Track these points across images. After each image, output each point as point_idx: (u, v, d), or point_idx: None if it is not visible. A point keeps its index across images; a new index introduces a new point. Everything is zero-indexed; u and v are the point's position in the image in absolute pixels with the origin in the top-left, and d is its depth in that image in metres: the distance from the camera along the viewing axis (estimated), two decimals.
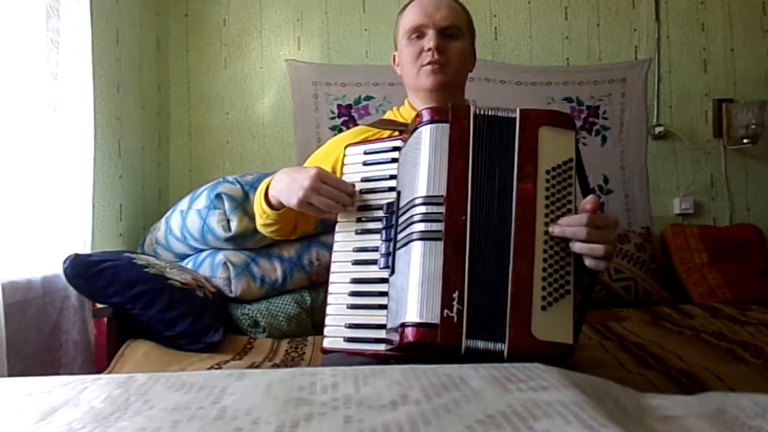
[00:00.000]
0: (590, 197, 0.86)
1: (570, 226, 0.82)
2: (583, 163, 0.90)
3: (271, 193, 1.09)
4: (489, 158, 0.86)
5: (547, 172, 0.85)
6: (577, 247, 0.83)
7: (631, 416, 0.47)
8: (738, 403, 0.49)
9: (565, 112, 0.91)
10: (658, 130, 2.72)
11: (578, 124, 2.63)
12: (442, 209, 0.83)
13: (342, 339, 0.91)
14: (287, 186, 1.01)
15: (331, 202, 0.95)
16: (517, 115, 0.87)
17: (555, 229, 0.83)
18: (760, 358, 1.40)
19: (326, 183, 0.95)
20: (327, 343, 0.93)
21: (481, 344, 0.79)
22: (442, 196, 0.83)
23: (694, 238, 2.54)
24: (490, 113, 0.88)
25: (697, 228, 2.60)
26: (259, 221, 1.17)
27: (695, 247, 2.52)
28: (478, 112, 0.88)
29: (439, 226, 0.82)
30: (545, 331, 0.79)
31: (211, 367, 1.41)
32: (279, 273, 1.89)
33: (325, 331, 0.93)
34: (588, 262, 0.84)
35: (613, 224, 0.86)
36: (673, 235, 2.58)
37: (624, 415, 0.46)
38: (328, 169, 1.16)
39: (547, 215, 0.84)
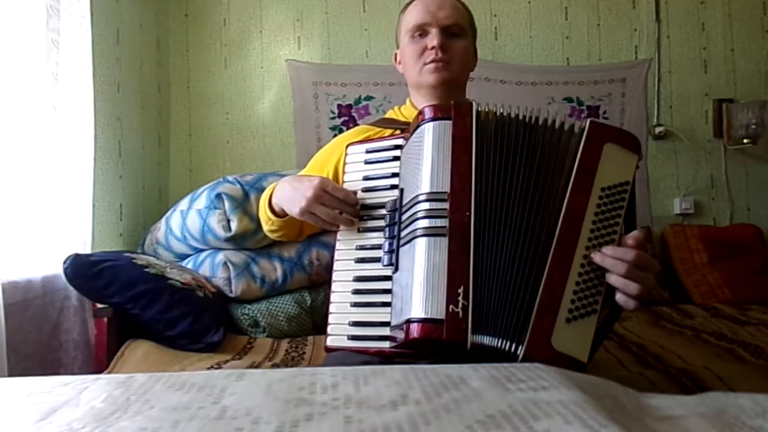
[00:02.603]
0: (635, 233, 0.84)
1: (612, 257, 0.81)
2: (635, 192, 0.88)
3: (274, 200, 1.09)
4: (518, 160, 0.85)
5: (602, 189, 0.84)
6: (612, 279, 0.82)
7: (631, 416, 0.47)
8: (738, 403, 0.49)
9: (634, 135, 0.90)
10: (658, 130, 2.72)
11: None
12: (446, 205, 0.82)
13: (346, 337, 0.90)
14: (290, 195, 1.01)
15: (334, 214, 0.95)
16: (587, 125, 0.86)
17: (596, 257, 0.82)
18: (760, 358, 1.40)
19: (330, 194, 0.95)
20: (330, 341, 0.92)
21: (487, 340, 0.79)
22: (445, 192, 0.83)
23: (694, 238, 2.54)
24: (531, 116, 0.87)
25: (698, 228, 2.60)
26: (265, 227, 1.18)
27: (695, 247, 2.52)
28: (511, 114, 0.87)
29: (443, 222, 0.82)
30: (564, 343, 0.79)
31: (211, 367, 1.41)
32: (279, 273, 1.89)
33: (328, 329, 0.92)
34: (619, 296, 0.83)
35: (655, 269, 0.85)
36: (674, 235, 2.58)
37: (624, 415, 0.46)
38: (331, 169, 1.16)
39: (592, 231, 0.83)
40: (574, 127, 0.87)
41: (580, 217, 0.83)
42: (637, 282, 0.81)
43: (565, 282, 0.81)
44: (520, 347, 0.79)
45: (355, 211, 0.96)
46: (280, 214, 1.10)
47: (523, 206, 0.84)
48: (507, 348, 0.79)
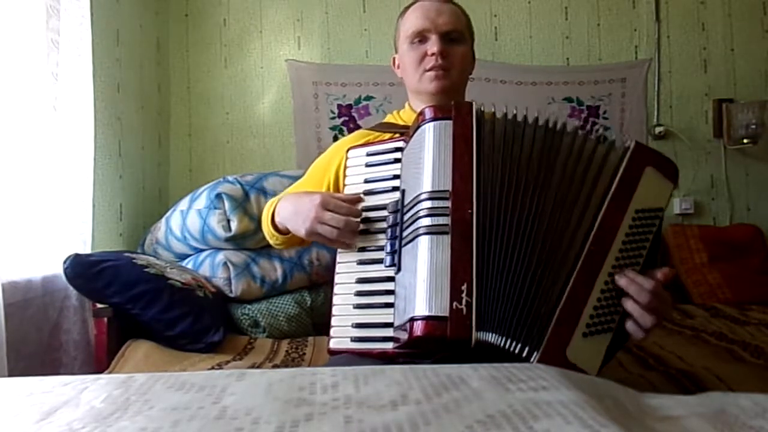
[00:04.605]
0: (667, 270, 0.85)
1: (635, 284, 0.81)
2: (663, 221, 0.89)
3: (278, 220, 1.10)
4: (534, 162, 0.85)
5: (637, 211, 0.84)
6: (629, 305, 0.82)
7: (631, 416, 0.47)
8: (738, 403, 0.49)
9: (673, 162, 0.92)
10: (658, 130, 2.72)
11: (578, 123, 2.64)
12: (448, 203, 0.82)
13: (349, 339, 0.90)
14: (293, 217, 1.01)
15: (338, 230, 0.94)
16: (632, 145, 0.87)
17: (621, 280, 0.82)
18: (760, 358, 1.40)
19: (330, 210, 0.94)
20: (333, 343, 0.91)
21: (491, 337, 0.78)
22: (447, 190, 0.83)
23: (694, 238, 2.54)
24: (556, 122, 0.88)
25: (697, 228, 2.60)
26: (270, 240, 1.20)
27: (695, 247, 2.52)
28: (528, 117, 0.88)
29: (445, 220, 0.81)
30: (578, 356, 0.79)
31: (212, 368, 1.41)
32: (279, 273, 1.89)
33: (332, 331, 0.92)
34: (630, 325, 0.83)
35: (669, 303, 0.86)
36: (673, 235, 2.58)
37: (624, 415, 0.46)
38: (332, 174, 1.16)
39: (621, 251, 0.83)
40: (614, 143, 0.88)
41: (612, 234, 0.83)
42: (653, 315, 0.81)
43: (588, 296, 0.81)
44: (535, 353, 0.79)
45: (358, 223, 0.95)
46: (284, 232, 1.11)
47: (538, 209, 0.83)
48: (518, 351, 0.79)
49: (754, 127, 2.60)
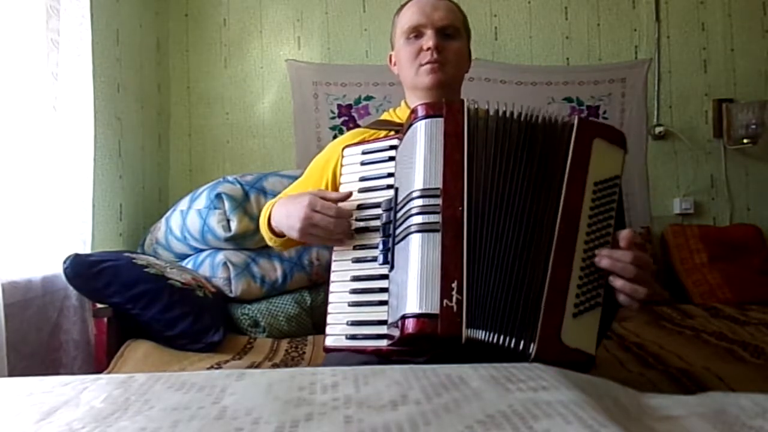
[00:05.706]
0: (628, 231, 0.85)
1: (618, 261, 0.82)
2: (622, 187, 0.90)
3: (273, 224, 1.12)
4: (517, 156, 0.86)
5: (596, 183, 0.85)
6: (619, 283, 0.82)
7: (631, 416, 0.47)
8: (738, 403, 0.49)
9: (620, 130, 0.92)
10: (658, 130, 2.72)
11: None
12: (439, 201, 0.83)
13: (344, 337, 0.91)
14: (285, 220, 1.03)
15: (329, 231, 0.94)
16: (575, 121, 0.87)
17: (602, 261, 0.82)
18: (760, 358, 1.40)
19: (321, 212, 0.95)
20: (329, 341, 0.92)
21: (482, 334, 0.79)
22: (438, 188, 0.83)
23: (694, 238, 2.54)
24: (531, 115, 0.88)
25: (697, 228, 2.60)
26: (269, 243, 1.21)
27: (695, 247, 2.52)
28: (514, 112, 0.88)
29: (436, 218, 0.82)
30: (573, 338, 0.80)
31: (211, 367, 1.41)
32: (279, 273, 1.89)
33: (327, 329, 0.93)
34: (623, 298, 0.84)
35: (652, 266, 0.86)
36: (673, 235, 2.58)
37: (624, 415, 0.46)
38: (329, 173, 1.16)
39: (590, 225, 0.84)
40: (565, 124, 0.88)
41: (577, 212, 0.84)
42: (643, 286, 0.82)
43: (569, 277, 0.81)
44: (531, 345, 0.79)
45: (350, 224, 0.96)
46: (281, 235, 1.12)
47: (522, 202, 0.84)
48: (513, 345, 0.79)
49: (754, 127, 2.60)
